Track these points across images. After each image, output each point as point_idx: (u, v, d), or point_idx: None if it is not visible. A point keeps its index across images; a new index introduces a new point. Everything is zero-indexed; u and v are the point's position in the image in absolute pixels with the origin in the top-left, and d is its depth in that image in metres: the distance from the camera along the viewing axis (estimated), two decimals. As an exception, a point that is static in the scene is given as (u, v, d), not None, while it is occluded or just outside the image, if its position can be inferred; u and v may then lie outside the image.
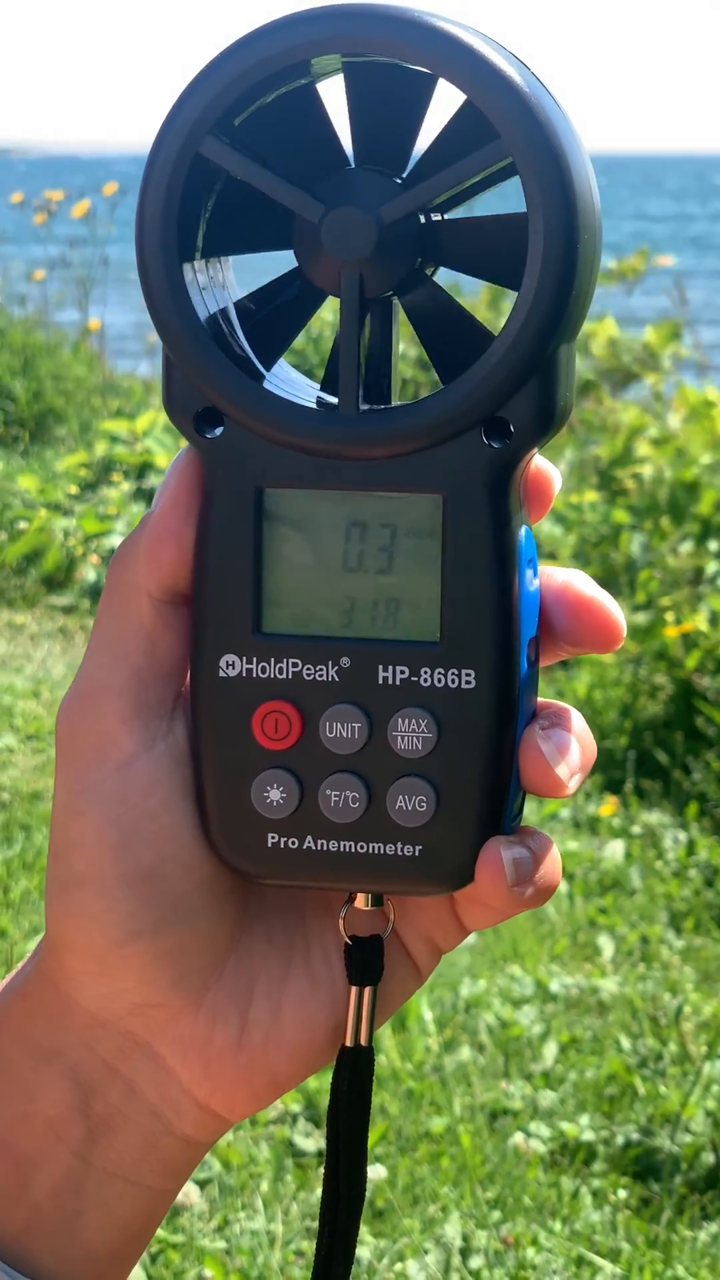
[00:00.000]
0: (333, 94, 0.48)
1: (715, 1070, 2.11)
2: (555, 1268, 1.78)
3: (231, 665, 0.47)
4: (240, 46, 0.45)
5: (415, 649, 0.46)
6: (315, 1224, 1.78)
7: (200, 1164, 1.90)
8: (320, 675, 0.47)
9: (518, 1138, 1.99)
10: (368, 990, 0.48)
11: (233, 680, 0.47)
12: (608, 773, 3.03)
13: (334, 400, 0.47)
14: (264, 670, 0.47)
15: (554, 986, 2.34)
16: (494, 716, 0.46)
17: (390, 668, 0.46)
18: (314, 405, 0.47)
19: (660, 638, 3.13)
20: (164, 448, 4.65)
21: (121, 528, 4.26)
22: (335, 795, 0.46)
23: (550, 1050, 2.19)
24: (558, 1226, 1.84)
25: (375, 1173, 1.91)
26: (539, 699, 0.49)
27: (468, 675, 0.46)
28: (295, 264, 0.47)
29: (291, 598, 0.47)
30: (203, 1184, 1.90)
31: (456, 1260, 1.78)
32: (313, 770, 0.47)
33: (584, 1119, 2.03)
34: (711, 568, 3.27)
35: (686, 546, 3.39)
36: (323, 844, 0.47)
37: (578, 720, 0.47)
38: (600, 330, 4.78)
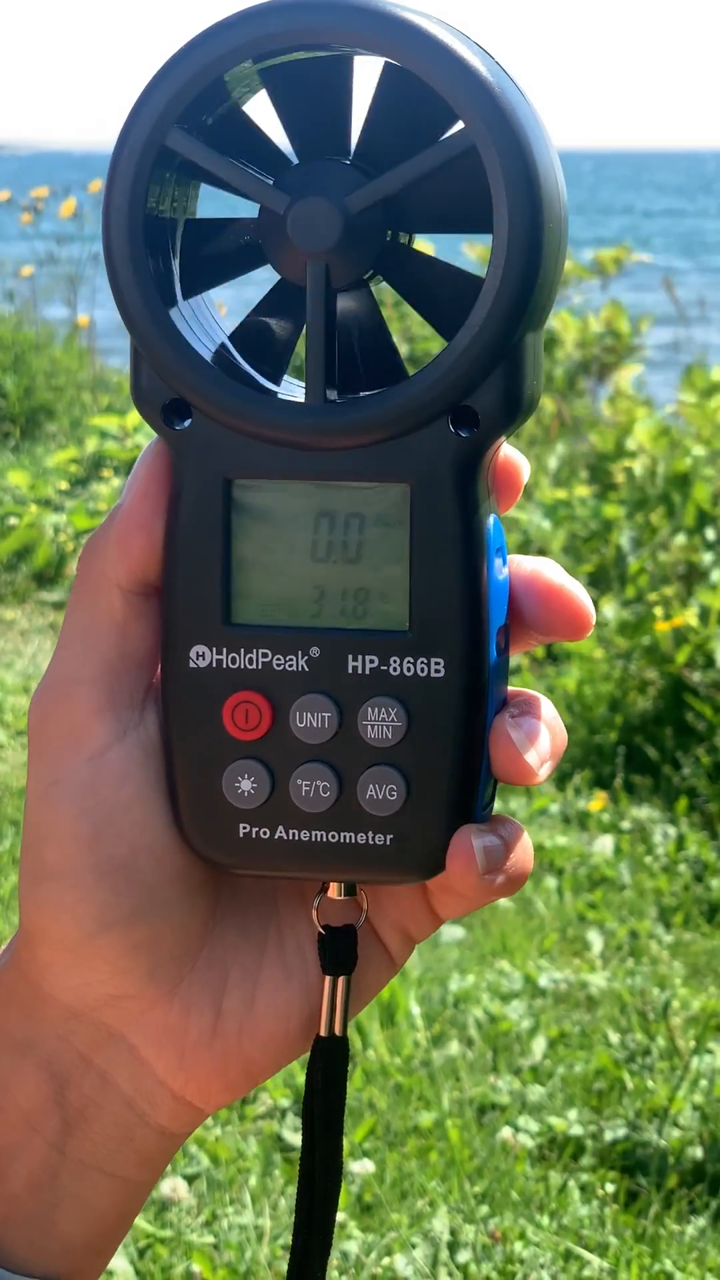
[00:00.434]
0: (260, 107, 0.48)
1: (703, 1065, 2.12)
2: (543, 1262, 1.78)
3: (201, 656, 0.47)
4: (203, 40, 0.46)
5: (384, 638, 0.46)
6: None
7: (188, 1159, 1.91)
8: (290, 665, 0.47)
9: (506, 1132, 2.00)
10: (342, 980, 0.48)
11: (203, 671, 0.47)
12: (597, 768, 3.04)
13: (364, 393, 0.47)
14: (234, 661, 0.47)
15: (543, 981, 2.34)
16: (463, 705, 0.46)
17: (360, 657, 0.46)
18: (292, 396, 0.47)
19: (650, 633, 3.13)
20: (154, 443, 4.64)
21: (112, 523, 4.26)
22: (306, 785, 0.47)
23: (539, 1045, 2.19)
24: (545, 1221, 1.84)
25: (363, 1167, 1.91)
26: (510, 687, 0.49)
27: (437, 664, 0.46)
28: (278, 278, 0.48)
29: (261, 588, 0.47)
30: (191, 1179, 1.90)
31: (444, 1255, 1.79)
32: (283, 760, 0.47)
33: (572, 1114, 2.04)
34: (707, 559, 3.27)
35: (678, 540, 3.39)
36: (294, 833, 0.47)
37: (547, 708, 0.47)
38: (570, 325, 4.77)
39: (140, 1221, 1.80)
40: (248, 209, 0.48)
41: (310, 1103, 0.50)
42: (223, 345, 0.48)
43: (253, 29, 0.45)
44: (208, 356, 0.47)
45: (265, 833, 0.47)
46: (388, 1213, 1.84)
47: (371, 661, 0.46)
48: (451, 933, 2.49)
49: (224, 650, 0.47)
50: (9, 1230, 0.48)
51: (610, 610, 3.31)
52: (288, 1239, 1.80)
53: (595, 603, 3.37)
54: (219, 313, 0.50)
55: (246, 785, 0.47)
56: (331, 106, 0.47)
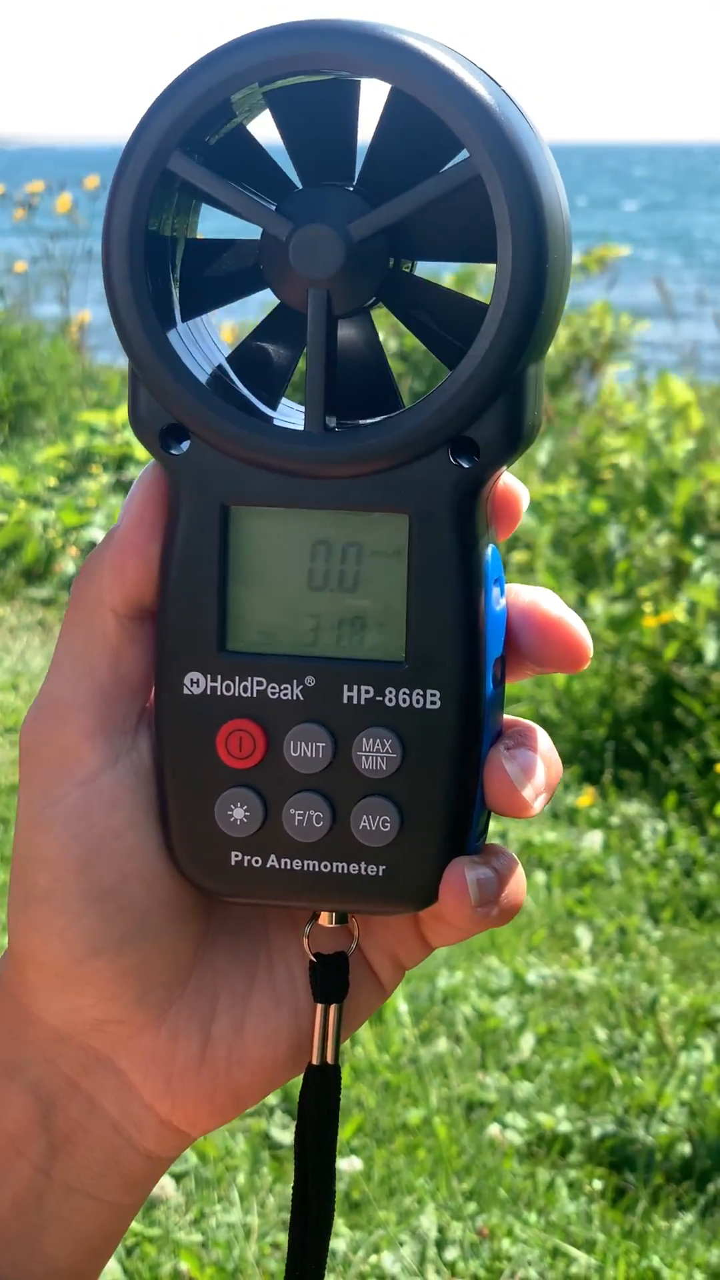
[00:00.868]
0: (263, 128, 0.48)
1: (691, 1061, 2.12)
2: (530, 1259, 1.78)
3: (196, 683, 0.47)
4: (205, 64, 0.45)
5: (381, 669, 0.46)
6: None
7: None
8: (285, 694, 0.47)
9: (494, 1129, 2.00)
10: (333, 1008, 0.48)
11: (197, 698, 0.47)
12: (586, 764, 3.04)
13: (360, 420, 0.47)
14: (228, 689, 0.47)
15: (531, 978, 2.35)
16: (458, 737, 0.46)
17: (355, 687, 0.46)
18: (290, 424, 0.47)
19: (638, 628, 3.13)
20: (143, 439, 4.63)
21: (101, 520, 4.25)
22: (299, 814, 0.46)
23: (527, 1041, 2.19)
24: (533, 1218, 1.84)
25: (351, 1165, 1.92)
26: (505, 716, 0.49)
27: (433, 696, 0.46)
28: (278, 302, 0.47)
29: (256, 616, 0.47)
30: (179, 1177, 1.90)
31: (432, 1252, 1.79)
32: (277, 789, 0.47)
33: (560, 1110, 2.04)
34: (695, 563, 3.27)
35: (664, 537, 3.40)
36: (286, 863, 0.47)
37: (543, 739, 0.47)
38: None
39: (129, 1220, 1.80)
40: (250, 230, 0.48)
41: (303, 1131, 0.50)
42: (220, 368, 0.48)
43: (257, 54, 0.45)
44: (205, 380, 0.46)
45: (257, 861, 0.47)
46: (375, 1210, 1.84)
47: (367, 692, 0.46)
48: (440, 929, 2.49)
49: (218, 678, 0.47)
50: None
51: (599, 606, 3.31)
52: (275, 1237, 1.80)
53: (583, 597, 3.39)
54: (219, 336, 0.50)
55: (239, 814, 0.47)
56: (337, 131, 0.46)
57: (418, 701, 0.46)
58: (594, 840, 2.79)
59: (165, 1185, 1.87)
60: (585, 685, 3.14)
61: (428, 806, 0.46)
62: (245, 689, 0.47)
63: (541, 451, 4.07)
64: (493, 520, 0.47)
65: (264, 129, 0.48)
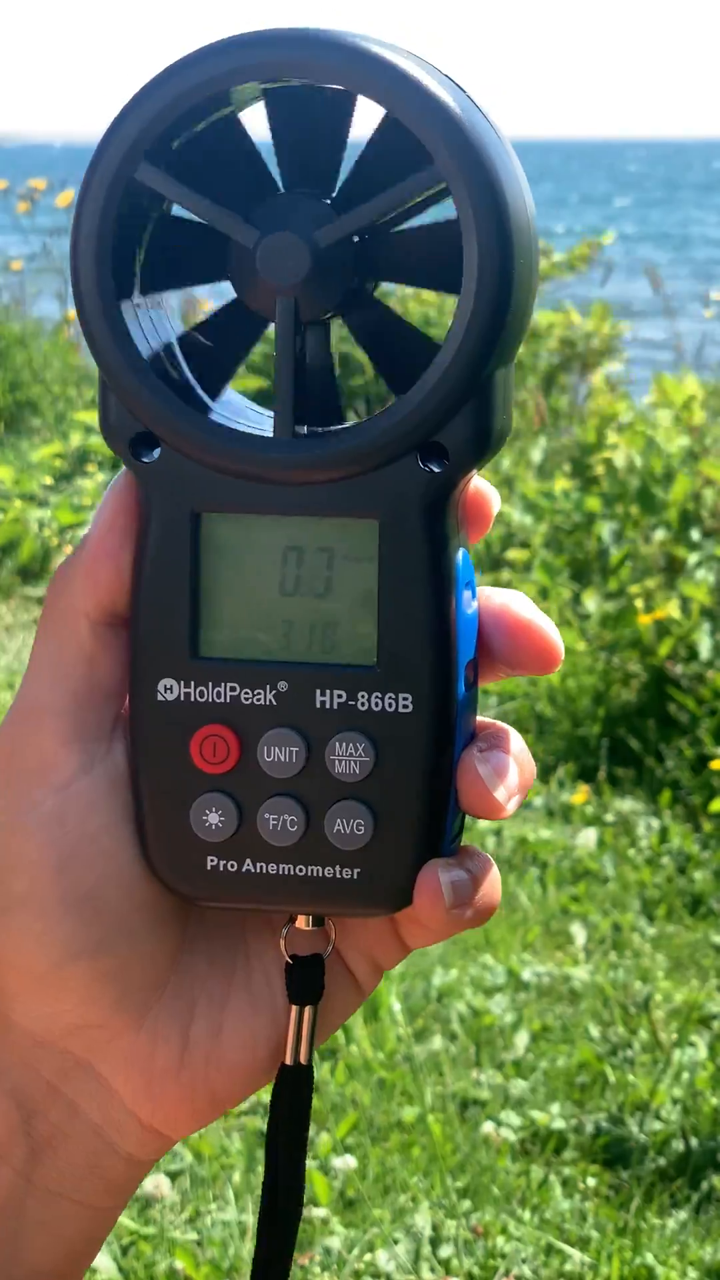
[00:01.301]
0: (257, 121, 0.48)
1: (685, 1058, 2.13)
2: (524, 1256, 1.79)
3: (169, 689, 0.47)
4: (173, 72, 0.45)
5: (352, 673, 0.46)
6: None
7: (172, 1155, 1.91)
8: (258, 699, 0.47)
9: (488, 1127, 2.01)
10: (308, 1009, 0.49)
11: (171, 704, 0.47)
12: (580, 760, 3.04)
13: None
14: (202, 694, 0.47)
15: (526, 975, 2.35)
16: (431, 740, 0.46)
17: (328, 692, 0.47)
18: (259, 429, 0.48)
19: (633, 625, 3.14)
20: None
21: (96, 518, 4.25)
22: (273, 819, 0.47)
23: (522, 1039, 2.20)
24: (527, 1215, 1.85)
25: (345, 1163, 1.92)
26: (479, 718, 0.49)
27: (404, 699, 0.46)
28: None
29: (229, 622, 0.47)
30: (174, 1175, 1.90)
31: (426, 1250, 1.79)
32: (251, 794, 0.47)
33: (554, 1107, 2.04)
34: (688, 559, 3.28)
35: (659, 534, 3.40)
36: (262, 866, 0.47)
37: (516, 741, 0.48)
38: (556, 320, 4.77)
39: (123, 1219, 1.81)
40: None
41: (274, 1131, 0.50)
42: (166, 349, 0.48)
43: (222, 63, 0.45)
44: (148, 357, 0.46)
45: (233, 865, 0.47)
46: (370, 1208, 1.85)
47: (339, 696, 0.46)
48: (435, 927, 2.49)
49: (191, 683, 0.47)
50: None
51: (592, 603, 3.32)
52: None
53: (577, 595, 3.39)
54: (177, 322, 0.50)
55: (214, 818, 0.47)
56: (325, 140, 0.47)
57: (389, 705, 0.46)
58: (588, 837, 2.79)
59: (160, 1183, 1.88)
60: (579, 682, 3.14)
61: (401, 809, 0.46)
62: (218, 694, 0.47)
63: (536, 449, 4.08)
64: (463, 524, 0.48)
65: (253, 121, 0.48)
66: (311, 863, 0.47)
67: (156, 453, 0.47)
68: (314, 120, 0.46)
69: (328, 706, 0.47)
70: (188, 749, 0.47)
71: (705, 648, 3.04)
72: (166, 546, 0.47)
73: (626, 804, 2.90)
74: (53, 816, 0.47)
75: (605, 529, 3.51)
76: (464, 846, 0.48)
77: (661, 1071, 2.09)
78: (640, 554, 3.36)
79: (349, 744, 0.46)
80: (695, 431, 3.74)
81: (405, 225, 0.48)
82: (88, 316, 0.46)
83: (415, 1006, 2.26)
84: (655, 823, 2.83)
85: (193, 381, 0.48)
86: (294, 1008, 0.49)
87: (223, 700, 0.47)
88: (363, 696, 0.46)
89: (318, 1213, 1.85)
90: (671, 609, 3.09)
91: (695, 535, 3.35)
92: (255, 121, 0.48)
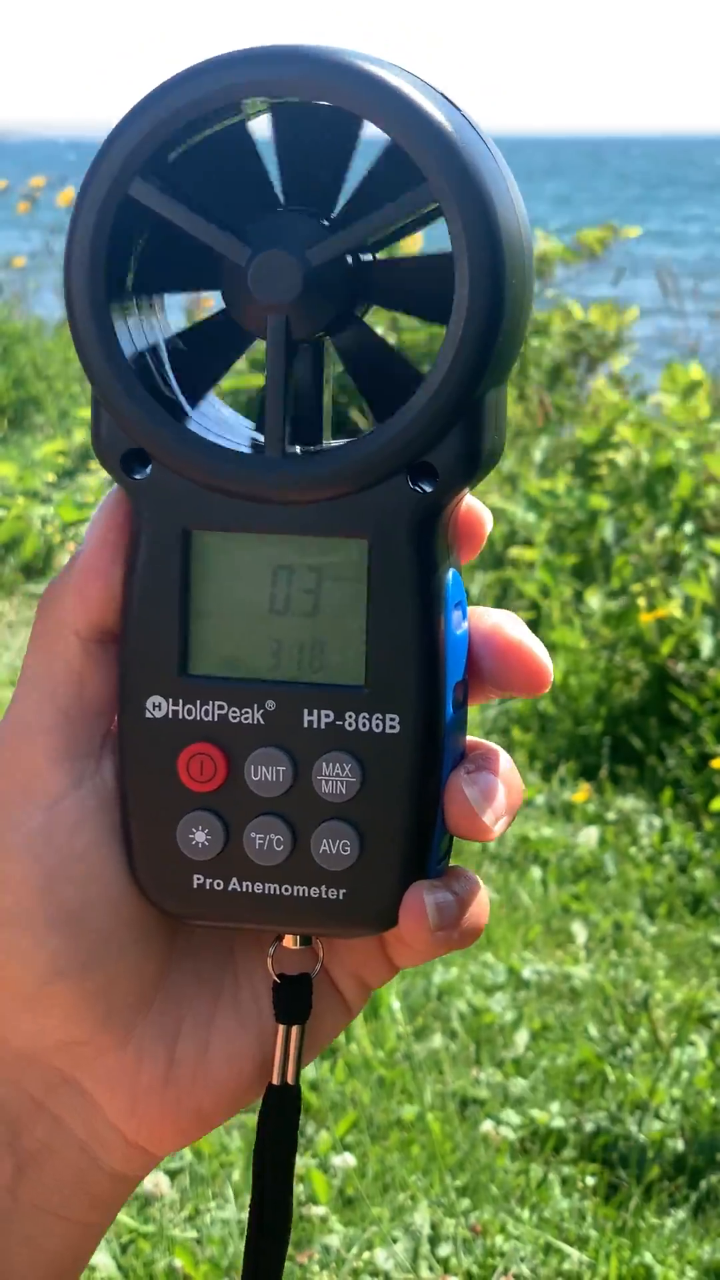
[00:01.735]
0: (262, 133, 0.48)
1: (685, 1057, 2.13)
2: (523, 1255, 1.79)
3: (158, 706, 0.47)
4: (169, 88, 0.45)
5: (340, 693, 0.46)
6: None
7: (171, 1153, 1.92)
8: (246, 718, 0.47)
9: (487, 1125, 2.01)
10: (295, 1029, 0.49)
11: (159, 721, 0.47)
12: (582, 758, 3.04)
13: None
14: (190, 712, 0.47)
15: (526, 973, 2.35)
16: (418, 761, 0.46)
17: (315, 711, 0.46)
18: (246, 448, 0.48)
19: (635, 624, 3.14)
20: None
21: (99, 515, 4.26)
22: (260, 838, 0.47)
23: (521, 1038, 2.20)
24: (526, 1214, 1.85)
25: (344, 1161, 1.93)
26: (468, 738, 0.49)
27: (392, 720, 0.46)
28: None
29: (217, 640, 0.47)
30: (174, 1174, 1.91)
31: (425, 1248, 1.80)
32: (237, 812, 0.47)
33: (554, 1106, 2.05)
34: (683, 548, 3.27)
35: (662, 532, 3.40)
36: (248, 885, 0.47)
37: (504, 762, 0.47)
38: (557, 317, 4.76)
39: (123, 1217, 1.81)
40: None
41: (261, 1152, 0.50)
42: (157, 362, 0.48)
43: (220, 79, 0.45)
44: (129, 357, 0.46)
45: (219, 884, 0.47)
46: (369, 1206, 1.85)
47: (327, 716, 0.46)
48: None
49: (180, 701, 0.47)
50: None
51: (595, 601, 3.31)
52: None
53: (580, 594, 3.39)
54: (168, 329, 0.49)
55: (200, 836, 0.47)
56: (329, 160, 0.47)
57: (377, 725, 0.46)
58: (590, 836, 2.79)
59: (160, 1182, 1.88)
60: (581, 681, 3.14)
61: (387, 830, 0.46)
62: (206, 713, 0.47)
63: (538, 449, 4.07)
64: (454, 544, 0.47)
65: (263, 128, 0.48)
66: (297, 882, 0.47)
67: (148, 470, 0.47)
68: (318, 138, 0.46)
69: (315, 726, 0.46)
70: (175, 767, 0.47)
71: (707, 646, 3.04)
72: (157, 564, 0.47)
73: (628, 802, 2.90)
74: (40, 833, 0.47)
75: (608, 527, 3.51)
76: (452, 867, 0.48)
77: (661, 1071, 2.09)
78: (643, 552, 3.35)
79: (336, 764, 0.46)
80: (698, 426, 3.73)
81: (406, 255, 0.48)
82: (80, 335, 0.46)
83: (415, 1004, 2.26)
84: (657, 821, 2.83)
85: (178, 392, 0.48)
86: (281, 1027, 0.49)
87: (211, 719, 0.47)
88: (350, 717, 0.46)
89: (316, 1211, 1.85)
90: (673, 608, 3.09)
91: (689, 528, 3.35)
92: (264, 132, 0.48)
